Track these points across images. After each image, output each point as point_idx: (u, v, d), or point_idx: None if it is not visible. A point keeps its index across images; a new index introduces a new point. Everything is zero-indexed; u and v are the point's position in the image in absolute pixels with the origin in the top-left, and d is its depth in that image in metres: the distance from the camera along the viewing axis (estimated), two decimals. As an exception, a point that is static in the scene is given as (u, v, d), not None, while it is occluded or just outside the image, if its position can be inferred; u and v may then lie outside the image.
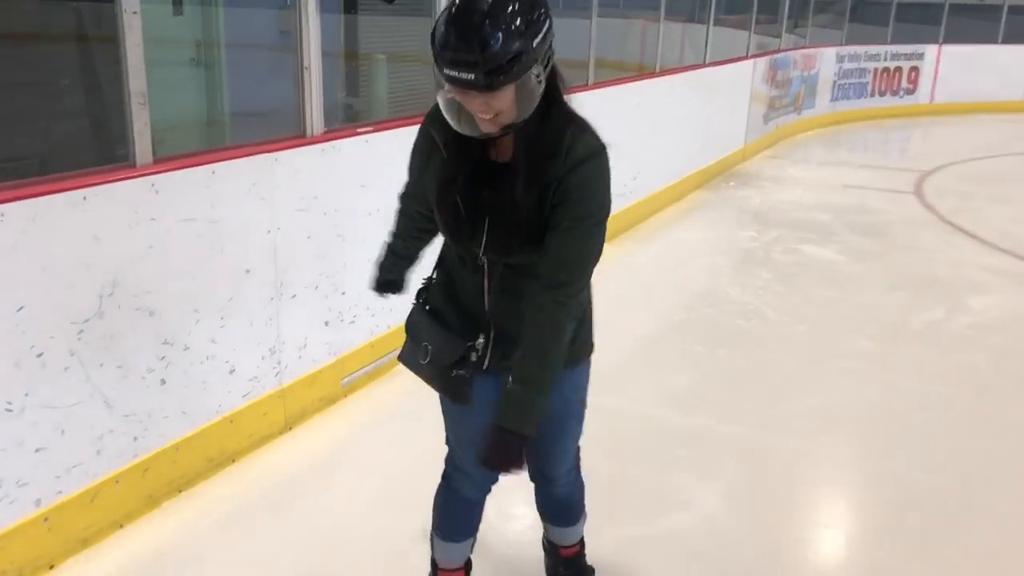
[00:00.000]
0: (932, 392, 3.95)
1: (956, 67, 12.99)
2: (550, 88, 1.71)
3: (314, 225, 3.37)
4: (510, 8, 1.59)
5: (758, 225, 6.71)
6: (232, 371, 3.11)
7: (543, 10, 1.64)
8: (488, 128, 1.69)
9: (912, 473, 3.27)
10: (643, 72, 6.64)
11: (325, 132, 3.40)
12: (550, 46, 1.66)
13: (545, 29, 1.63)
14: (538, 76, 1.64)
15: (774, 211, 7.18)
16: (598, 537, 2.62)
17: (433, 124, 1.85)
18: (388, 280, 2.30)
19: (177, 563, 2.67)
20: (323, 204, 3.39)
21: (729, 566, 2.73)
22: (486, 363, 1.98)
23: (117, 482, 2.74)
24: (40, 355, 2.45)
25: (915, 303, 5.09)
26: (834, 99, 11.82)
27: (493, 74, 1.57)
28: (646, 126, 6.37)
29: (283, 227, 3.21)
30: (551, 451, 2.20)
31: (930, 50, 12.98)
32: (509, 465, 1.87)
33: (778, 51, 9.70)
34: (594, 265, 1.84)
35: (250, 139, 3.21)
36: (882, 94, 12.67)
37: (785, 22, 9.87)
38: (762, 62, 9.07)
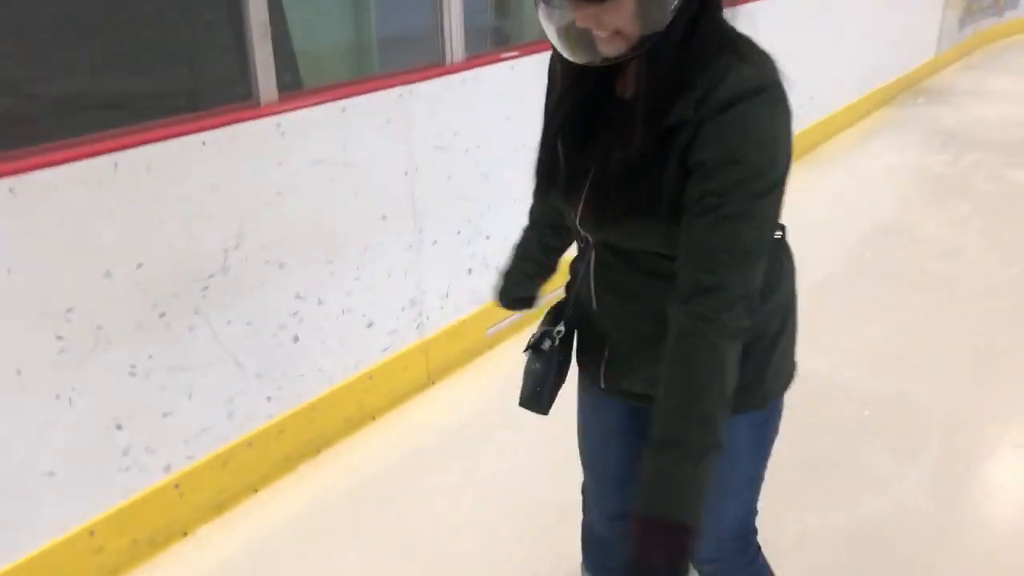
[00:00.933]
0: None
1: None
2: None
3: (455, 164, 3.06)
4: None
5: (954, 148, 5.92)
6: (370, 325, 2.89)
7: None
8: (607, 50, 1.24)
9: None
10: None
11: (466, 59, 3.06)
12: None
13: None
14: None
15: (973, 131, 6.34)
16: (777, 524, 2.26)
17: (554, 60, 1.43)
18: (518, 297, 1.80)
19: (316, 528, 2.51)
20: (464, 140, 3.08)
21: (931, 565, 2.31)
22: (602, 382, 1.54)
23: (250, 445, 2.59)
24: (163, 315, 2.28)
25: None
26: (1042, -2, 10.42)
27: None
28: (823, 37, 5.68)
29: (421, 167, 2.92)
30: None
31: None
32: (664, 569, 1.23)
33: (978, -55, 8.56)
34: (758, 259, 1.25)
35: (401, 68, 2.91)
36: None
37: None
38: (960, -41, 8.02)
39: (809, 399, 3.00)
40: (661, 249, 1.33)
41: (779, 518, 2.40)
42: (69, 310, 2.07)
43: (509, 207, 3.21)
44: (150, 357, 2.27)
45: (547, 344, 1.55)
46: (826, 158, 5.70)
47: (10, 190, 1.92)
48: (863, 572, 2.30)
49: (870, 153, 5.89)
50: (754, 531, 1.66)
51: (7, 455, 2.04)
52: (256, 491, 2.63)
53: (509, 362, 3.31)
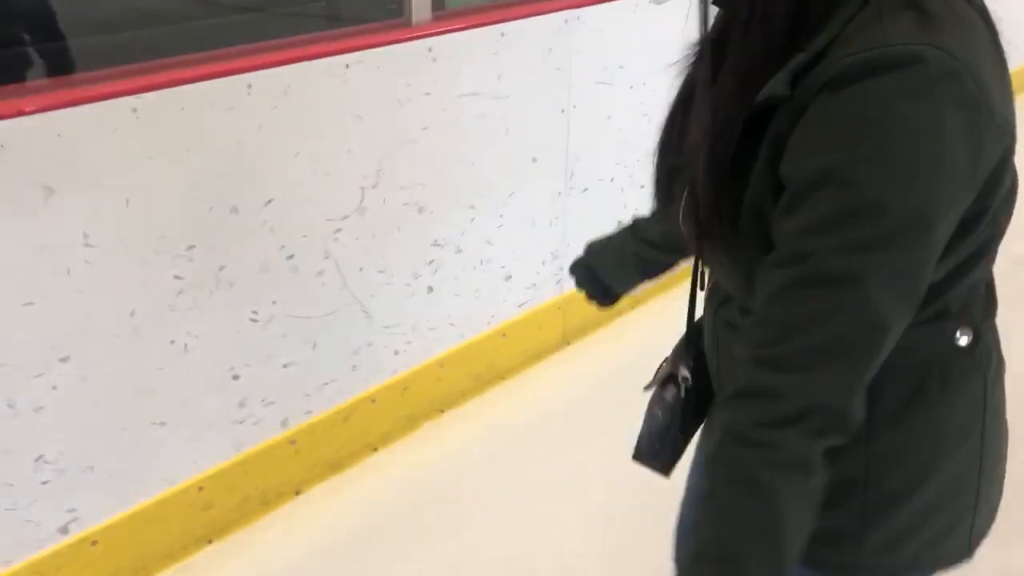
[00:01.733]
0: None
1: None
2: None
3: (617, 102, 2.71)
4: None
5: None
6: (508, 277, 2.61)
7: None
8: None
9: None
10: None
11: (641, -18, 2.67)
12: None
13: None
14: None
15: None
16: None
17: None
18: (601, 283, 1.35)
19: (436, 493, 2.28)
20: (629, 76, 2.71)
21: None
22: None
23: (374, 401, 2.36)
24: (290, 257, 2.04)
25: None
26: None
27: None
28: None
29: (580, 105, 2.58)
30: None
31: None
32: None
33: None
34: (858, 354, 0.78)
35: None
36: None
37: None
38: None
39: None
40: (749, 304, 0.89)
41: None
42: (190, 247, 1.85)
43: (671, 155, 2.84)
44: (273, 303, 2.04)
45: (671, 393, 1.16)
46: None
47: (133, 110, 1.68)
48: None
49: None
50: None
51: (117, 403, 1.85)
52: (375, 450, 2.42)
53: (651, 327, 2.98)
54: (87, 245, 1.69)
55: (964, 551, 1.00)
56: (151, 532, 1.97)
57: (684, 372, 1.13)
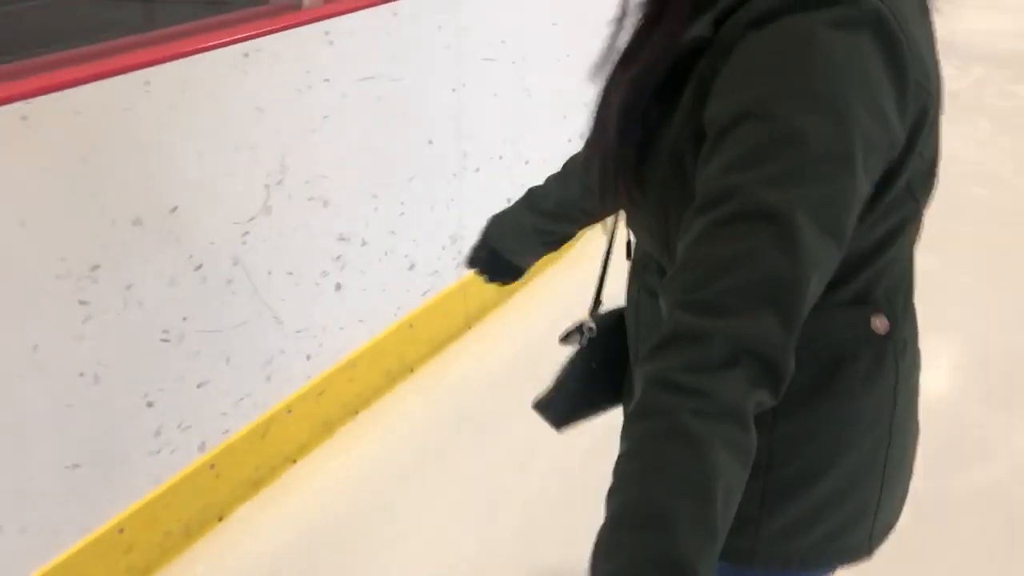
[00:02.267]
0: None
1: None
2: None
3: (501, 78, 2.66)
4: None
5: (956, 61, 5.68)
6: (412, 267, 2.52)
7: None
8: None
9: None
10: None
11: (518, -46, 2.62)
12: None
13: None
14: None
15: (970, 44, 6.10)
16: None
17: None
18: (501, 261, 1.30)
19: (361, 501, 2.18)
20: (511, 51, 2.66)
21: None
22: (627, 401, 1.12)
23: (290, 411, 2.22)
24: (199, 267, 1.87)
25: None
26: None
27: None
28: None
29: (469, 83, 2.51)
30: None
31: None
32: None
33: None
34: (788, 297, 0.72)
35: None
36: None
37: None
38: None
39: None
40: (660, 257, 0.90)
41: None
42: (94, 267, 1.65)
43: (550, 129, 2.83)
44: (184, 319, 1.87)
45: (576, 339, 1.13)
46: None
47: (23, 118, 1.46)
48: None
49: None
50: None
51: (23, 450, 1.64)
52: (294, 462, 2.28)
53: (551, 301, 2.97)
54: (-21, 276, 1.48)
55: (864, 548, 0.98)
56: (71, 587, 1.77)
57: (590, 323, 1.12)
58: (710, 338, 0.71)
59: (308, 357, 2.24)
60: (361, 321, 2.38)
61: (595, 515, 0.72)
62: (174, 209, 1.77)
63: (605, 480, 0.72)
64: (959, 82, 5.31)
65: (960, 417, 2.45)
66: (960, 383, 2.65)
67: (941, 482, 2.18)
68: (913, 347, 0.97)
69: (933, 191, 0.88)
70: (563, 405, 1.15)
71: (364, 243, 2.30)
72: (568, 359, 1.15)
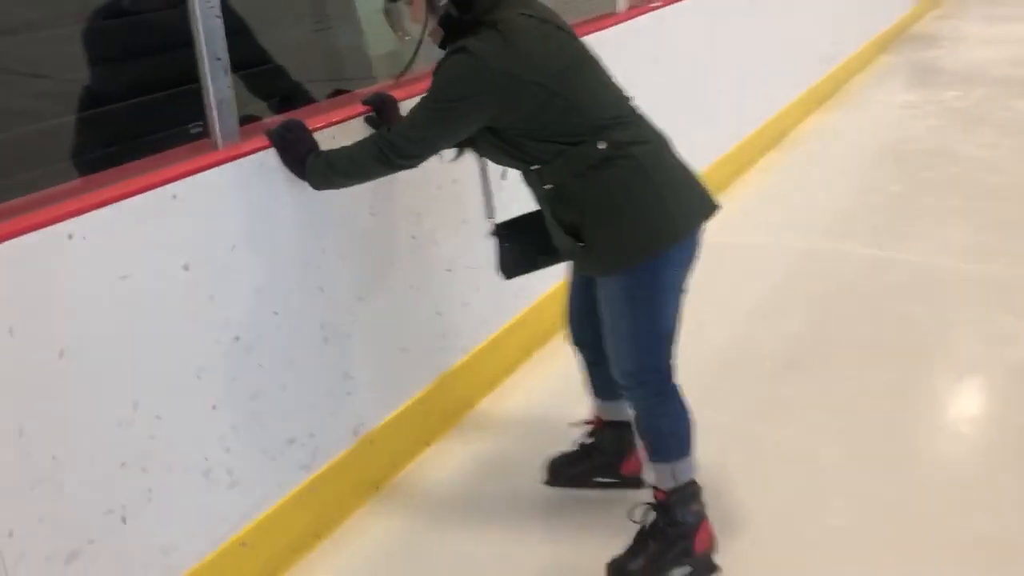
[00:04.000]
0: None
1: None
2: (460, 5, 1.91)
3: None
4: None
5: (961, 85, 6.55)
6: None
7: None
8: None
9: None
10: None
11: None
12: None
13: None
14: None
15: (971, 70, 6.97)
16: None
17: None
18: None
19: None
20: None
21: None
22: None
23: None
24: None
25: None
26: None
27: None
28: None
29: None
30: (607, 344, 2.08)
31: None
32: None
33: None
34: (418, 139, 1.93)
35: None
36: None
37: None
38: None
39: (918, 281, 3.56)
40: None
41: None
42: None
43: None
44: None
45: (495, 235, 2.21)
46: (853, 96, 6.29)
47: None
48: None
49: (889, 91, 6.50)
50: (655, 372, 2.06)
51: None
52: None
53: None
54: None
55: (652, 251, 1.93)
56: None
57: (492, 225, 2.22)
58: (393, 142, 1.98)
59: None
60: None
61: None
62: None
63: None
64: (965, 101, 6.18)
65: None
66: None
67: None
68: (651, 148, 1.99)
69: (589, 93, 1.98)
70: (511, 269, 2.23)
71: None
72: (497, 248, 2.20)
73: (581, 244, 1.95)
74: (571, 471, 2.47)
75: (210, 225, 1.98)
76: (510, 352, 3.03)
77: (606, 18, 3.46)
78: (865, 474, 2.49)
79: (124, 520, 1.83)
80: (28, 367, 1.65)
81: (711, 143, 4.34)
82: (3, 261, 1.60)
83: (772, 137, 5.21)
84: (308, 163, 2.04)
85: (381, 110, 2.32)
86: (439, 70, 1.90)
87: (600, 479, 2.46)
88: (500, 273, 2.22)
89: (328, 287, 2.27)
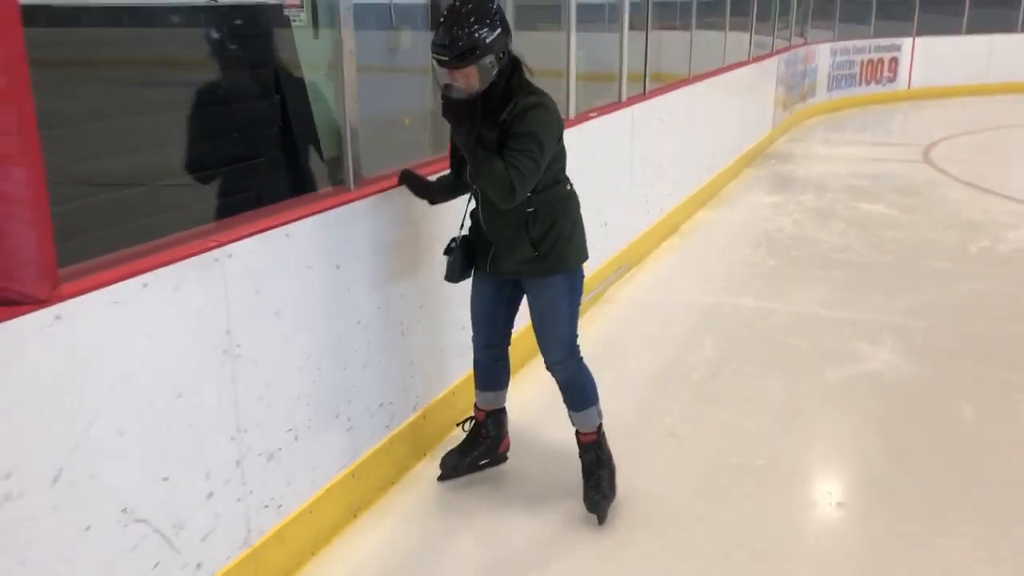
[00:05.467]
0: (1003, 291, 5.32)
1: (928, 56, 14.60)
2: (511, 69, 2.65)
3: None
4: (472, 18, 2.55)
5: (814, 191, 8.07)
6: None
7: (496, 18, 2.58)
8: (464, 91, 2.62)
9: (986, 337, 4.61)
10: (688, 77, 7.12)
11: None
12: (502, 43, 2.59)
13: (496, 33, 2.56)
14: (491, 63, 2.57)
15: (820, 180, 8.56)
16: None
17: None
18: (418, 184, 3.05)
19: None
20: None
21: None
22: (488, 268, 2.90)
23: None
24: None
25: (966, 237, 6.47)
26: (830, 89, 13.32)
27: (458, 59, 2.54)
28: (713, 118, 7.70)
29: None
30: (540, 342, 2.96)
31: (906, 42, 14.57)
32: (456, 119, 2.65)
33: (789, 48, 11.13)
34: (534, 177, 2.60)
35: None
36: (867, 83, 14.22)
37: (793, 25, 11.30)
38: (783, 58, 10.49)
39: (789, 326, 4.73)
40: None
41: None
42: None
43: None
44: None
45: (452, 245, 2.91)
46: (730, 198, 7.67)
47: None
48: (878, 392, 3.98)
49: (758, 194, 7.94)
50: (577, 344, 2.98)
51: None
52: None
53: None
54: None
55: (581, 261, 2.91)
56: None
57: (456, 237, 2.93)
58: (516, 165, 2.62)
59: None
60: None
61: None
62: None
63: None
64: (818, 202, 7.65)
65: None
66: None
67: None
68: (572, 189, 2.91)
69: (565, 160, 2.88)
70: (455, 275, 2.94)
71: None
72: (451, 255, 2.91)
73: (536, 253, 2.78)
74: (464, 461, 3.20)
75: (352, 236, 2.88)
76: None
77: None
78: (759, 439, 3.55)
79: (296, 438, 2.67)
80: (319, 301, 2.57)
81: (628, 225, 5.50)
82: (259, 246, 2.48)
83: (671, 226, 6.45)
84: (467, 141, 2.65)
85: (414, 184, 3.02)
86: (526, 121, 2.59)
87: (483, 462, 3.24)
88: (448, 279, 2.94)
89: (407, 295, 3.19)
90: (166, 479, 2.21)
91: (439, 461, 3.23)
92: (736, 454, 3.40)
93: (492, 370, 3.17)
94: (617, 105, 5.26)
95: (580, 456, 3.06)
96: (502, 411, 3.24)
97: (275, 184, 3.37)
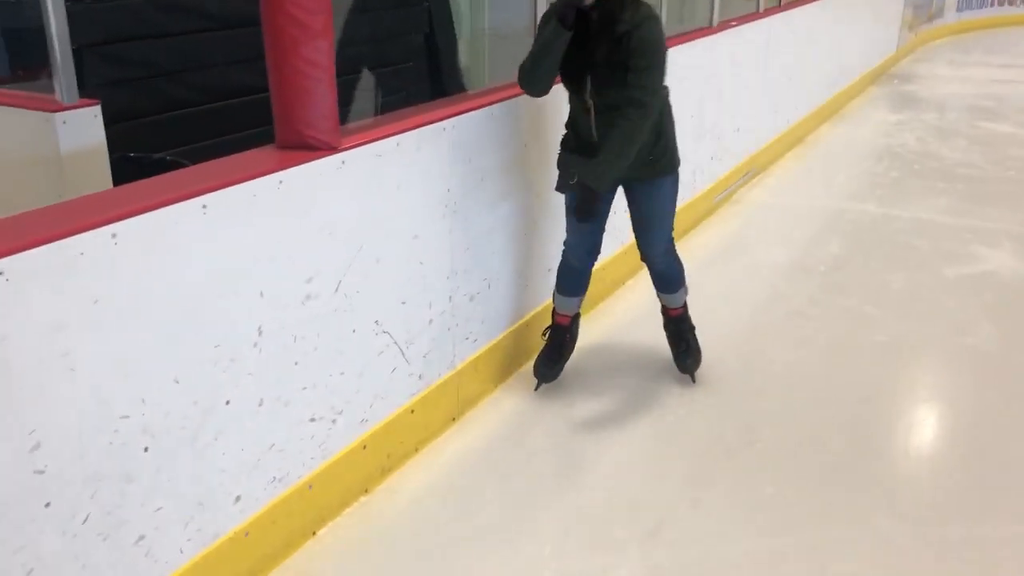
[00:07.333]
0: None
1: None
2: None
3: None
4: None
5: (936, 110, 8.15)
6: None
7: None
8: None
9: None
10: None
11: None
12: None
13: None
14: None
15: (944, 100, 8.60)
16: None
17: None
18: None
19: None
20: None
21: None
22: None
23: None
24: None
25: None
26: (960, 9, 13.01)
27: None
28: (837, 35, 7.82)
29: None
30: (645, 239, 3.12)
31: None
32: (585, 212, 2.85)
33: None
34: (660, 87, 2.76)
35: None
36: (1000, 3, 13.80)
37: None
38: (912, -24, 10.38)
39: (912, 236, 5.05)
40: (619, 100, 2.74)
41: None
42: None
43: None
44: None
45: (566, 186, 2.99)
46: (851, 116, 7.84)
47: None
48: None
49: (881, 111, 8.07)
50: (673, 241, 3.20)
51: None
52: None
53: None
54: None
55: (676, 165, 3.04)
56: None
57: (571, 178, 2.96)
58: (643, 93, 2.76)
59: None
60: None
61: None
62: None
63: None
64: (941, 121, 7.76)
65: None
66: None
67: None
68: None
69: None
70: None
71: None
72: (562, 158, 3.04)
73: (650, 157, 2.90)
74: (559, 366, 3.29)
75: (538, 119, 3.34)
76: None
77: (703, 30, 4.91)
78: (889, 325, 3.94)
79: (489, 286, 3.19)
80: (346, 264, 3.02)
81: (758, 132, 5.82)
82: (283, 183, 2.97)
83: (797, 137, 6.71)
84: (603, 174, 2.81)
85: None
86: (644, 34, 2.66)
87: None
88: (559, 189, 3.02)
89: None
90: (404, 303, 2.76)
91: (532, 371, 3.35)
92: (859, 332, 3.80)
93: (584, 276, 3.27)
94: (755, 15, 5.54)
95: (666, 327, 3.38)
96: (578, 315, 3.38)
97: (420, 87, 3.81)
